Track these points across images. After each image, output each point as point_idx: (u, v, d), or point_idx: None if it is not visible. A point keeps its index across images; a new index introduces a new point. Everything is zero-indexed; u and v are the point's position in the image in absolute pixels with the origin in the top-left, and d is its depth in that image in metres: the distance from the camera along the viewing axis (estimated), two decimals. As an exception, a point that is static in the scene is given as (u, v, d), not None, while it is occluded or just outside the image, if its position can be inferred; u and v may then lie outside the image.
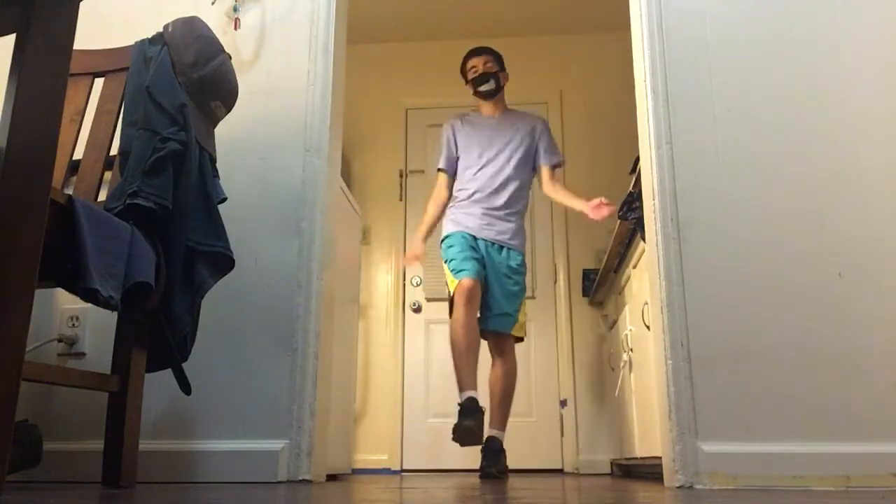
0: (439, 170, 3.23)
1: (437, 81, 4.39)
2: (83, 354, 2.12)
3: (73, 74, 1.57)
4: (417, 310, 4.24)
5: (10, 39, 1.04)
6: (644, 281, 2.35)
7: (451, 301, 2.94)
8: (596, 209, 2.87)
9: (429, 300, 4.23)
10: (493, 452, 2.79)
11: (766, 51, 2.05)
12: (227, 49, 1.84)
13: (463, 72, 3.26)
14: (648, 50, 2.09)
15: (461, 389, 2.72)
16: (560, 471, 3.90)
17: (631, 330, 2.87)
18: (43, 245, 1.01)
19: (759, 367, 1.82)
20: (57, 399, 2.07)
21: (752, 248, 1.91)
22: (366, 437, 4.04)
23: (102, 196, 1.70)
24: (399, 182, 4.46)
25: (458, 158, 3.18)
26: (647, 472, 2.73)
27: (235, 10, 2.37)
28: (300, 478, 1.94)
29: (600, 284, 3.80)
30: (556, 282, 4.19)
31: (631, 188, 2.71)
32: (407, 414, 4.08)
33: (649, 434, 2.44)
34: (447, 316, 2.97)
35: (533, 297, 3.97)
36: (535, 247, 4.20)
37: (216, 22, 2.33)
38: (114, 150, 1.74)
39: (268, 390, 2.02)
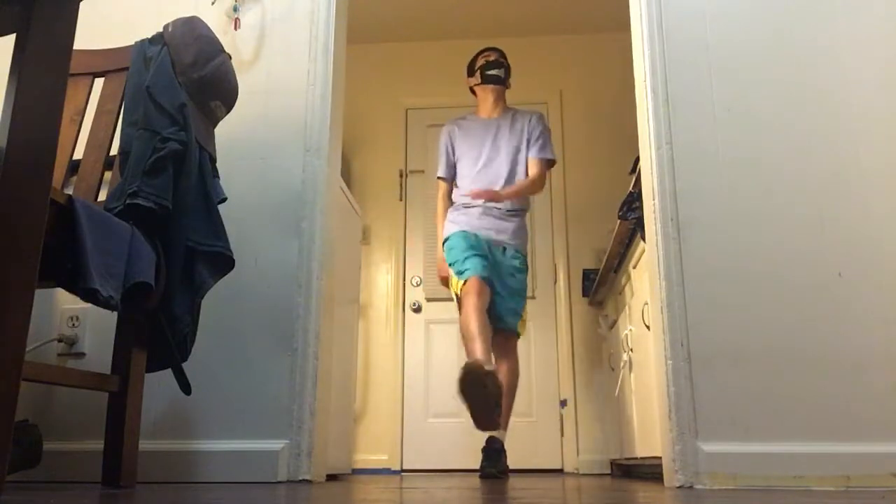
0: (440, 178, 3.21)
1: (437, 81, 4.39)
2: (83, 354, 2.12)
3: (73, 74, 1.58)
4: (417, 310, 4.24)
5: (10, 39, 1.04)
6: (644, 281, 2.35)
7: (459, 302, 2.91)
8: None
9: (429, 300, 4.23)
10: (494, 452, 2.79)
11: (766, 51, 2.05)
12: (227, 49, 1.84)
13: (472, 64, 3.25)
14: (648, 50, 2.09)
15: (471, 355, 2.57)
16: (560, 471, 3.90)
17: (631, 330, 2.87)
18: (43, 245, 1.01)
19: (759, 367, 1.82)
20: (57, 399, 2.07)
21: (752, 248, 1.91)
22: (366, 437, 4.04)
23: (102, 196, 1.70)
24: (399, 182, 4.46)
25: (456, 163, 3.18)
26: (647, 472, 2.73)
27: (235, 10, 2.37)
28: (300, 478, 1.94)
29: (600, 284, 3.80)
30: (556, 282, 4.19)
31: (631, 188, 2.71)
32: (407, 414, 4.08)
33: (649, 434, 2.44)
34: (447, 316, 2.96)
35: (533, 297, 3.97)
36: (535, 247, 4.20)
37: (216, 22, 2.34)
38: (114, 150, 1.74)
39: (268, 390, 2.02)
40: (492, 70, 3.17)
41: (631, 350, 2.91)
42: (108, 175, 1.76)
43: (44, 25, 1.03)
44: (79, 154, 1.79)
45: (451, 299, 3.11)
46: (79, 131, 1.81)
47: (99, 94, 1.84)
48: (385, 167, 4.48)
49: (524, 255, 3.07)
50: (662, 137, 2.02)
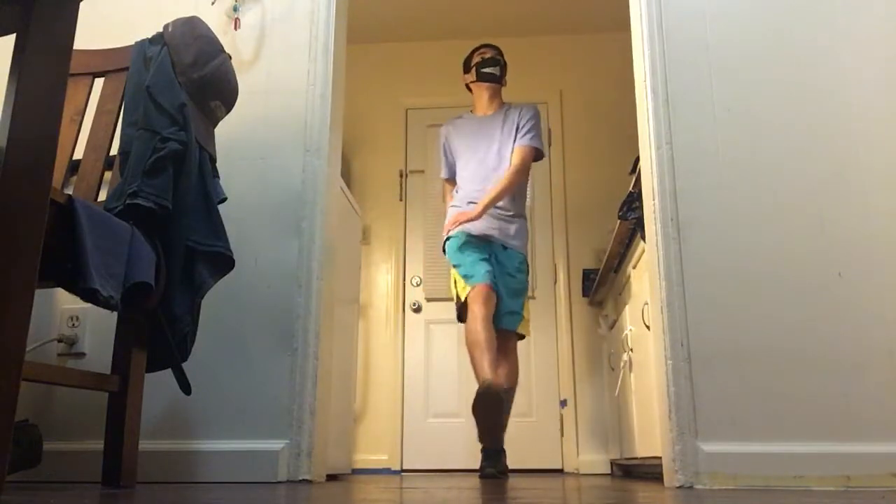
0: (444, 179, 3.29)
1: (437, 81, 4.39)
2: (83, 354, 2.12)
3: (73, 74, 1.58)
4: (417, 310, 4.24)
5: (10, 39, 1.04)
6: (644, 281, 2.35)
7: (461, 306, 2.92)
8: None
9: (429, 300, 4.23)
10: (494, 452, 2.79)
11: (766, 51, 2.05)
12: (227, 49, 1.84)
13: (468, 61, 3.25)
14: (648, 50, 2.09)
15: (479, 369, 2.65)
16: (560, 471, 3.90)
17: (631, 330, 2.87)
18: (43, 245, 1.01)
19: (759, 366, 1.82)
20: (57, 399, 2.07)
21: (752, 248, 1.91)
22: (366, 437, 4.04)
23: (102, 196, 1.70)
24: (399, 182, 4.46)
25: (454, 163, 3.19)
26: (647, 472, 2.73)
27: (235, 10, 2.37)
28: (300, 478, 1.94)
29: (600, 284, 3.80)
30: (556, 282, 4.19)
31: (631, 188, 2.71)
32: (407, 414, 4.07)
33: (649, 434, 2.44)
34: (447, 316, 2.96)
35: (533, 297, 3.97)
36: (535, 247, 4.20)
37: (216, 22, 2.33)
38: (114, 150, 1.74)
39: (268, 390, 2.02)
40: (486, 68, 3.16)
41: (631, 350, 2.91)
42: (108, 175, 1.76)
43: (44, 25, 1.03)
44: (79, 154, 1.79)
45: (451, 299, 3.11)
46: (79, 131, 1.81)
47: (99, 94, 1.84)
48: (385, 167, 4.47)
49: (524, 256, 3.07)
50: (662, 137, 2.02)
